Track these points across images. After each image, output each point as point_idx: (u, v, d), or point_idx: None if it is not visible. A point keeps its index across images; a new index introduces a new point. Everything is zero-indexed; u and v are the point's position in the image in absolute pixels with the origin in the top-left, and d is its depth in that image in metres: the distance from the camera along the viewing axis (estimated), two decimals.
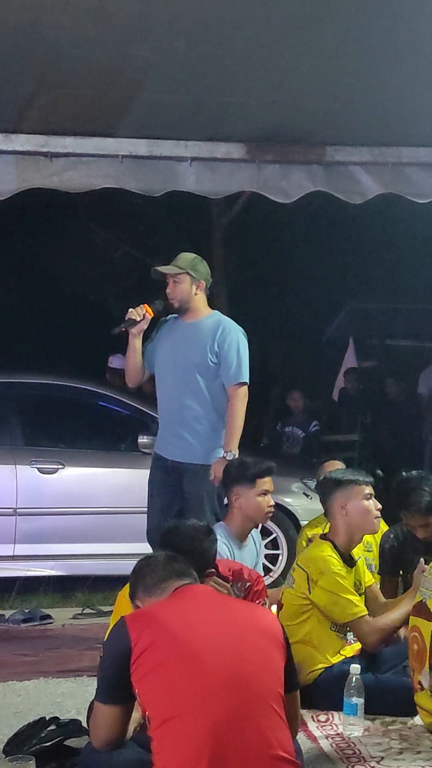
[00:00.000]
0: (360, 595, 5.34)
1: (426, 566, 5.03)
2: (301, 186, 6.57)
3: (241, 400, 6.20)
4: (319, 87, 5.53)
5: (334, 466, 6.86)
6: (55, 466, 8.36)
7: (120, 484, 8.29)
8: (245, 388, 6.23)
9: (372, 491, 5.29)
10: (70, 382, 9.23)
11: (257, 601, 4.99)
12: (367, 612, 5.06)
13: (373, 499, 5.27)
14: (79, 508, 8.30)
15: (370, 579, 5.54)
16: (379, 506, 5.30)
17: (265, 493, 5.69)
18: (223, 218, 15.11)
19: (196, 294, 6.28)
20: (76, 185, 6.41)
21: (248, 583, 5.05)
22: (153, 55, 5.12)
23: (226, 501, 5.97)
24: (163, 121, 6.09)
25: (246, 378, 6.23)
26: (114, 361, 11.37)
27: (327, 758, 4.33)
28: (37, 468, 8.31)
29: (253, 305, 18.20)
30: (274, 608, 5.29)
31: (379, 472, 11.52)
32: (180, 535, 4.38)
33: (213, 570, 4.51)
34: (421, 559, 5.27)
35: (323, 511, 5.45)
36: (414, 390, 13.47)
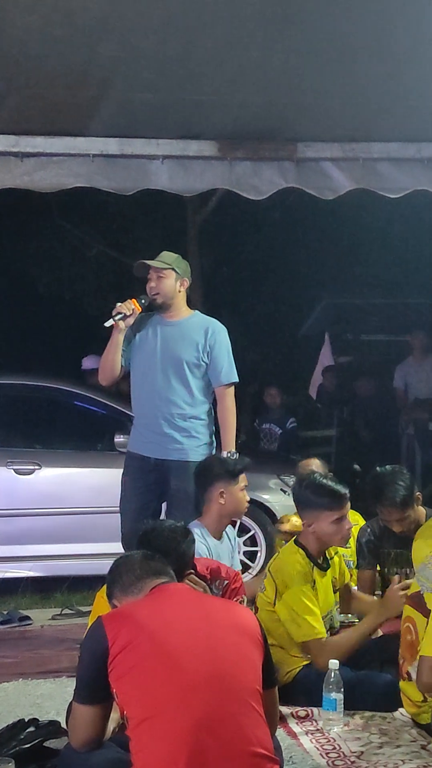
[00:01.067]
0: (336, 591, 5.36)
1: (403, 583, 5.06)
2: (272, 183, 6.56)
3: (230, 398, 6.24)
4: (288, 84, 5.53)
5: (312, 465, 6.88)
6: (32, 467, 8.35)
7: (97, 484, 8.27)
8: (233, 388, 6.27)
9: (345, 511, 5.20)
10: (46, 382, 9.22)
11: (235, 599, 5.00)
12: (324, 634, 5.02)
13: (346, 519, 5.20)
14: (56, 508, 8.30)
15: (347, 575, 5.56)
16: (350, 525, 5.27)
17: (245, 487, 5.76)
18: (198, 216, 15.10)
19: (179, 291, 6.28)
20: (48, 185, 6.39)
21: (226, 581, 5.06)
22: (122, 54, 5.10)
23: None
24: (134, 120, 6.07)
25: (236, 378, 6.28)
26: (87, 363, 11.37)
27: (307, 754, 4.34)
28: (14, 469, 8.29)
29: (229, 302, 18.21)
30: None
31: (357, 467, 11.56)
32: (158, 537, 4.38)
33: (191, 571, 4.52)
34: (396, 577, 5.29)
35: None
36: (390, 384, 13.49)
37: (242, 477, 5.76)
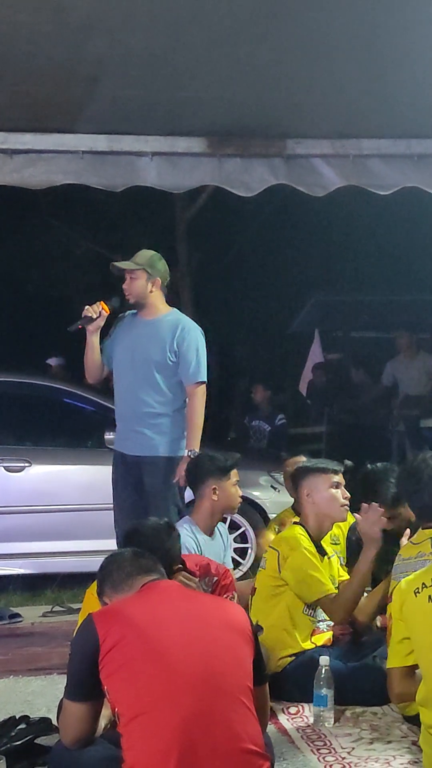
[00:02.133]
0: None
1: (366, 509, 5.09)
2: (262, 179, 6.56)
3: (200, 398, 6.26)
4: (278, 80, 5.53)
5: (298, 463, 6.87)
6: (22, 464, 8.33)
7: (87, 481, 8.26)
8: (204, 387, 6.29)
9: (341, 479, 5.35)
10: (35, 380, 9.22)
11: (225, 595, 5.00)
12: (334, 590, 5.11)
13: (342, 488, 5.32)
14: (46, 505, 8.29)
15: (344, 575, 5.58)
16: (347, 495, 5.33)
17: (237, 483, 5.80)
18: (187, 213, 15.07)
19: (151, 291, 6.30)
20: (37, 182, 6.38)
21: (215, 578, 5.06)
22: (110, 50, 5.10)
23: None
24: (123, 117, 6.07)
25: (204, 377, 6.29)
26: (52, 361, 11.91)
27: (298, 750, 4.35)
28: (4, 466, 8.28)
29: (218, 299, 18.22)
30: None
31: (349, 462, 11.56)
32: (142, 536, 4.37)
33: (180, 566, 4.52)
34: (363, 506, 5.27)
35: (291, 504, 5.49)
36: (379, 381, 13.51)
37: (234, 472, 5.80)
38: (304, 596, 5.08)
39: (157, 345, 6.23)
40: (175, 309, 6.49)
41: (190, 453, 6.11)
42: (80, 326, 6.23)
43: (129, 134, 6.29)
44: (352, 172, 6.60)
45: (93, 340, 6.29)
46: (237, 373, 17.02)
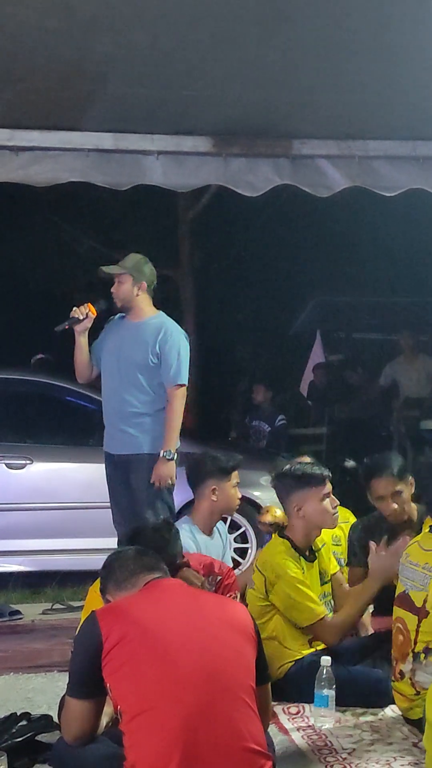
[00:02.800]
0: (325, 583, 5.37)
1: (382, 547, 5.08)
2: (267, 179, 6.56)
3: (179, 400, 6.33)
4: (284, 80, 5.53)
5: None
6: (23, 462, 8.34)
7: (88, 479, 8.23)
8: (183, 389, 6.37)
9: (329, 487, 5.29)
10: (37, 377, 9.23)
11: (228, 594, 5.01)
12: (326, 613, 5.08)
13: (331, 496, 5.28)
14: (47, 503, 8.29)
15: (335, 567, 5.57)
16: (336, 502, 5.33)
17: (237, 485, 5.80)
18: (190, 212, 15.06)
19: (137, 295, 6.41)
20: (42, 179, 6.38)
21: (219, 577, 5.06)
22: (117, 48, 5.10)
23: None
24: (129, 115, 6.07)
25: (184, 380, 6.36)
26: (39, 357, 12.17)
27: (299, 750, 4.35)
28: (5, 464, 8.29)
29: (220, 299, 18.19)
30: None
31: (350, 462, 11.54)
32: (144, 538, 4.37)
33: (186, 561, 4.52)
34: (371, 543, 5.27)
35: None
36: (379, 382, 13.51)
37: (235, 474, 5.82)
38: (296, 620, 5.05)
39: (140, 347, 6.33)
40: (161, 312, 6.56)
41: (165, 454, 6.19)
42: (66, 326, 6.33)
43: (135, 133, 6.29)
44: (357, 173, 6.60)
45: (81, 340, 6.41)
46: (238, 373, 16.99)
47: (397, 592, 4.64)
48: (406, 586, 4.49)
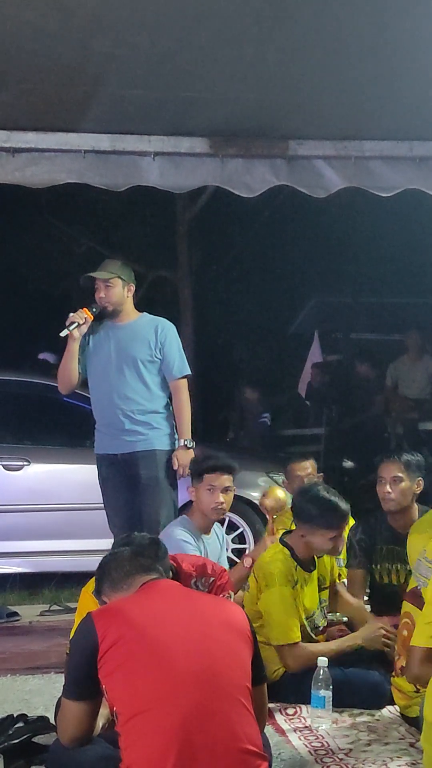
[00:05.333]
0: (323, 589, 5.36)
1: (384, 624, 5.11)
2: (264, 180, 6.56)
3: (185, 391, 6.47)
4: (281, 81, 5.53)
5: (308, 467, 6.83)
6: (21, 463, 8.34)
7: (86, 481, 8.20)
8: (186, 380, 6.48)
9: (343, 529, 5.18)
10: (35, 378, 9.22)
11: (221, 595, 4.99)
12: (298, 639, 5.01)
13: (341, 536, 5.19)
14: (45, 504, 8.29)
15: (335, 572, 5.56)
16: (343, 541, 5.32)
17: (212, 488, 5.70)
18: (187, 213, 15.07)
19: (127, 296, 6.51)
20: (39, 181, 6.38)
21: (212, 578, 5.04)
22: (115, 49, 5.09)
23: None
24: (126, 116, 6.06)
25: (188, 370, 6.50)
26: (44, 356, 11.87)
27: (295, 751, 4.35)
28: (2, 465, 8.29)
29: (218, 300, 18.19)
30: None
31: (348, 462, 11.54)
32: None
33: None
34: (385, 618, 5.27)
35: (291, 506, 5.44)
36: (381, 383, 13.50)
37: (210, 477, 5.72)
38: (268, 636, 4.98)
39: (141, 344, 6.42)
40: (144, 312, 6.66)
41: (186, 442, 6.32)
42: (69, 332, 6.34)
43: (132, 134, 6.29)
44: (353, 174, 6.60)
45: (75, 347, 6.43)
46: (236, 373, 16.98)
47: (410, 587, 4.65)
48: (419, 583, 4.48)
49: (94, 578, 3.85)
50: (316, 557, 5.30)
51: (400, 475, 5.66)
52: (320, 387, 14.78)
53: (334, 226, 17.29)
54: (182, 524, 5.71)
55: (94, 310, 6.40)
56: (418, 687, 4.35)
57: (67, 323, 6.31)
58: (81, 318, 6.32)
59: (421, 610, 4.37)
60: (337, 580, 5.65)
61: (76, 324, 6.31)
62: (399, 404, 12.77)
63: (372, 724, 4.66)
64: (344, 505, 5.11)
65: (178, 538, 5.51)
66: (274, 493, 6.39)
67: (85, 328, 6.37)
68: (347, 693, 4.78)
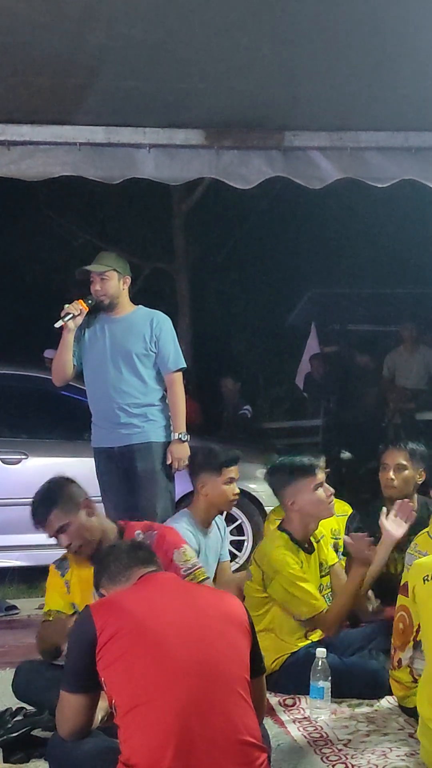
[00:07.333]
0: (324, 575, 5.37)
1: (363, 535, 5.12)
2: (260, 171, 6.54)
3: (180, 384, 6.50)
4: (277, 72, 5.51)
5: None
6: (19, 457, 8.35)
7: (84, 474, 8.17)
8: (181, 373, 6.50)
9: (323, 476, 5.31)
10: (32, 372, 9.21)
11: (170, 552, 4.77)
12: (325, 606, 5.08)
13: (324, 485, 5.29)
14: None
15: (334, 558, 5.58)
16: (331, 491, 5.33)
17: (231, 481, 5.77)
18: (183, 205, 15.07)
19: (123, 289, 6.53)
20: (34, 173, 6.36)
21: (155, 532, 4.85)
22: (109, 41, 5.08)
23: None
24: (121, 108, 6.04)
25: (183, 363, 6.54)
26: (48, 353, 11.84)
27: (294, 742, 4.36)
28: (0, 459, 8.28)
29: (215, 292, 18.19)
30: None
31: (346, 453, 11.53)
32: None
33: None
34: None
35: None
36: (379, 374, 13.51)
37: (229, 470, 5.79)
38: (298, 613, 5.06)
39: (136, 338, 6.44)
40: (140, 305, 6.66)
41: (180, 436, 6.35)
42: (64, 323, 6.36)
43: (127, 126, 6.26)
44: (349, 165, 6.58)
45: (69, 338, 6.44)
46: (233, 365, 16.97)
47: (403, 581, 4.65)
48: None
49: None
50: (314, 539, 5.33)
51: (405, 463, 5.72)
52: (318, 378, 14.78)
53: (330, 217, 17.30)
54: (184, 519, 5.69)
55: (89, 302, 6.42)
56: (416, 677, 4.37)
57: (62, 314, 6.33)
58: (76, 309, 6.34)
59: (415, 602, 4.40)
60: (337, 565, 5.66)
61: (71, 315, 6.32)
62: (396, 395, 12.80)
63: (371, 714, 4.67)
64: (307, 456, 5.39)
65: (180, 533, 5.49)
66: (267, 527, 6.50)
67: (80, 320, 6.38)
68: (346, 683, 4.79)
